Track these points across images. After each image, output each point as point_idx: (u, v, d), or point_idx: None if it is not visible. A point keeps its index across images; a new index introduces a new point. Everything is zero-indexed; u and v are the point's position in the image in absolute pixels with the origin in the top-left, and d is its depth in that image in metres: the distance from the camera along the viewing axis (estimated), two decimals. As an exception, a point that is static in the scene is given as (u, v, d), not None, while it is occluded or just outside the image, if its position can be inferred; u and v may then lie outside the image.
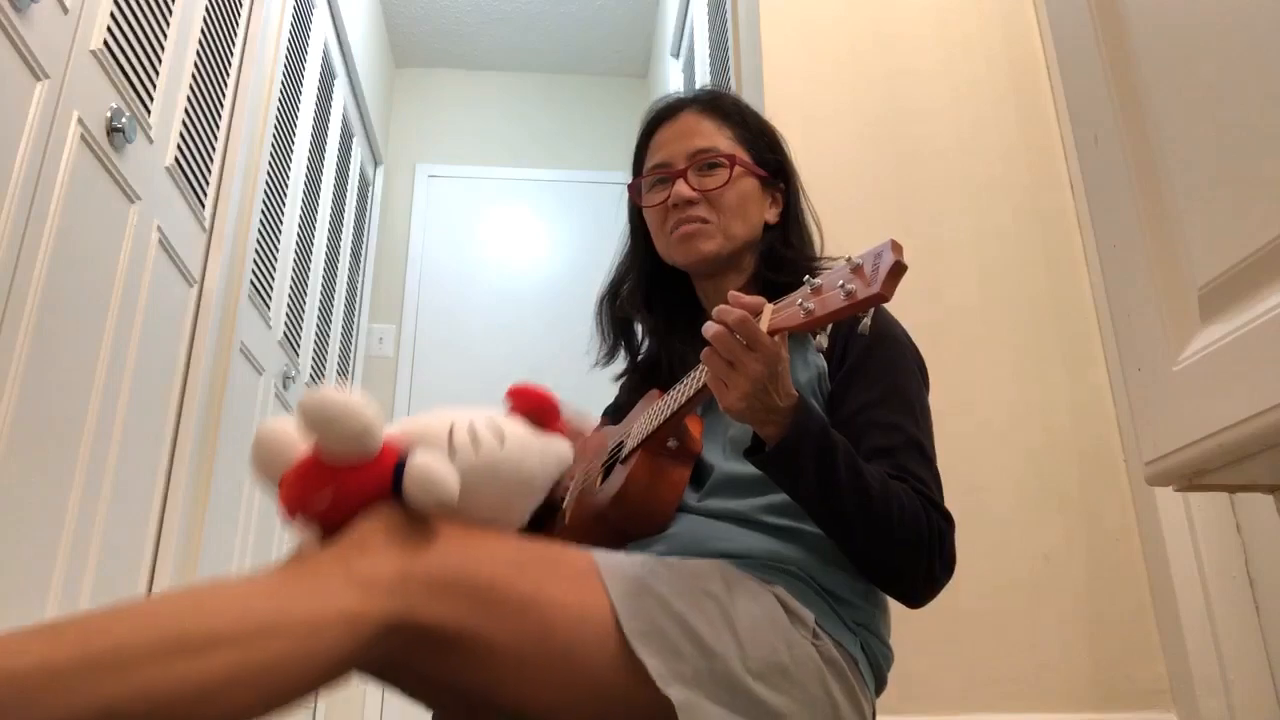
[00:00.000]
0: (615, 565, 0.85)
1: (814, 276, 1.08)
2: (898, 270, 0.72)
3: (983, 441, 1.78)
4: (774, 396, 0.83)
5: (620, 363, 1.26)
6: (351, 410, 0.75)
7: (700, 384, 0.89)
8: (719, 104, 1.19)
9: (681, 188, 1.13)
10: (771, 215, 1.18)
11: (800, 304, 0.78)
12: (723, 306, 0.83)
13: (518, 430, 0.85)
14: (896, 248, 0.73)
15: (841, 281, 0.75)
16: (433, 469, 0.76)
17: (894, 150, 1.99)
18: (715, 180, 1.13)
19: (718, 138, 1.16)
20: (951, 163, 1.98)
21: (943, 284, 1.89)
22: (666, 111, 1.21)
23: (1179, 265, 0.64)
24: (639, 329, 1.27)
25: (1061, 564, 1.72)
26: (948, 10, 2.10)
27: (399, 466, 0.78)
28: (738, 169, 1.13)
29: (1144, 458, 0.67)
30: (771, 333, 0.80)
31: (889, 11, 2.10)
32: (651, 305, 1.24)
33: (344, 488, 0.78)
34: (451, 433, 0.81)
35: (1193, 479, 0.65)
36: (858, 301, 0.73)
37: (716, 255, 1.12)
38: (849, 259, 0.76)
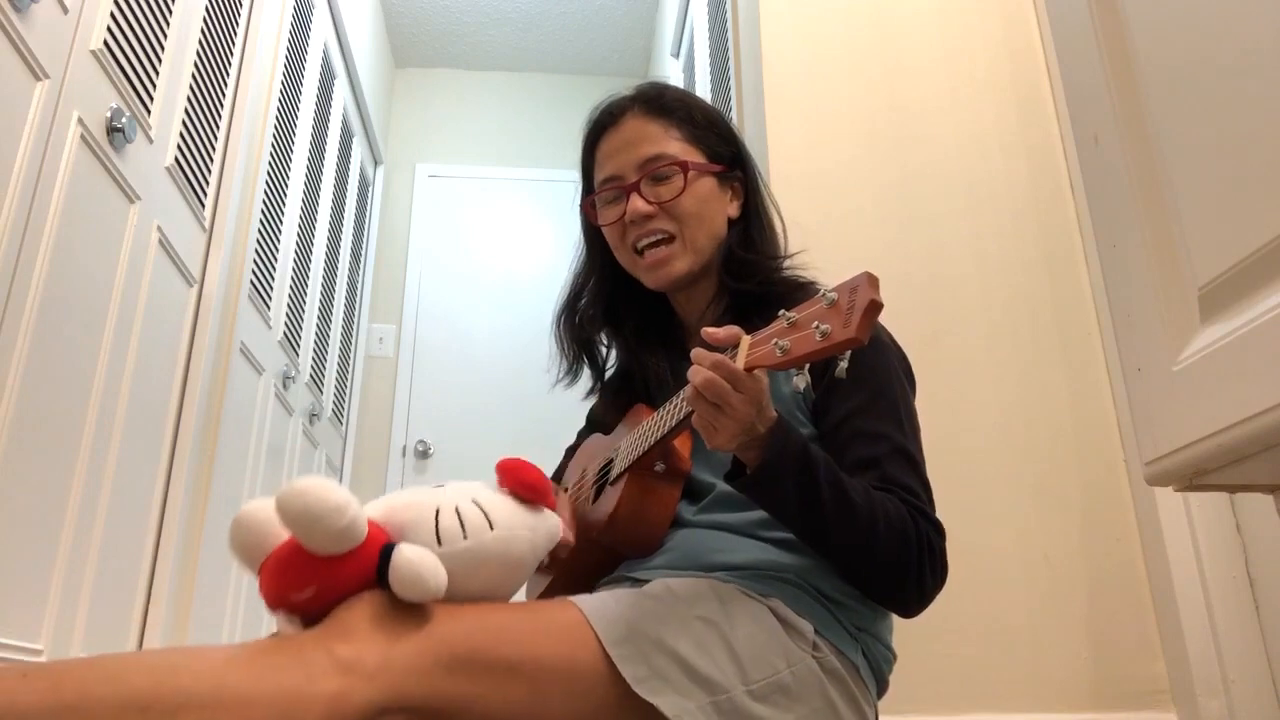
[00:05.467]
0: (604, 611, 0.83)
1: (783, 286, 1.07)
2: (874, 310, 0.71)
3: (983, 442, 1.78)
4: (757, 426, 0.83)
5: (585, 380, 1.23)
6: (333, 506, 0.73)
7: (684, 413, 0.87)
8: (662, 102, 1.13)
9: (637, 203, 1.08)
10: (733, 210, 1.13)
11: (775, 343, 0.76)
12: (699, 350, 0.81)
13: (506, 510, 0.83)
14: (873, 283, 0.72)
15: (816, 321, 0.73)
16: (419, 566, 0.74)
17: (894, 149, 1.99)
18: (670, 189, 1.08)
19: (666, 141, 1.10)
20: (951, 162, 1.98)
21: (942, 284, 1.89)
22: (608, 118, 1.14)
23: (1179, 265, 0.64)
24: (601, 345, 1.22)
25: (1061, 564, 1.72)
26: (948, 10, 2.10)
27: (384, 552, 0.76)
28: (692, 173, 1.08)
29: (1144, 458, 0.67)
30: (748, 369, 0.79)
31: (889, 11, 2.10)
32: (618, 321, 1.19)
33: (327, 580, 0.76)
34: (438, 519, 0.79)
35: (1193, 479, 0.64)
36: (833, 344, 0.72)
37: (688, 273, 1.09)
38: (824, 293, 0.75)
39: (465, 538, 0.79)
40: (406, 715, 0.72)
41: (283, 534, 0.78)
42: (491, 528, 0.80)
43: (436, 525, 0.79)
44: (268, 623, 0.81)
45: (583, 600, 0.85)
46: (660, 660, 0.80)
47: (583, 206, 1.18)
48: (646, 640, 0.81)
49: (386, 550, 0.76)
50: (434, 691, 0.73)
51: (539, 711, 0.77)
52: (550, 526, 0.86)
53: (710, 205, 1.10)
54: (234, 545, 0.81)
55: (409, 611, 0.75)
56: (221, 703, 0.65)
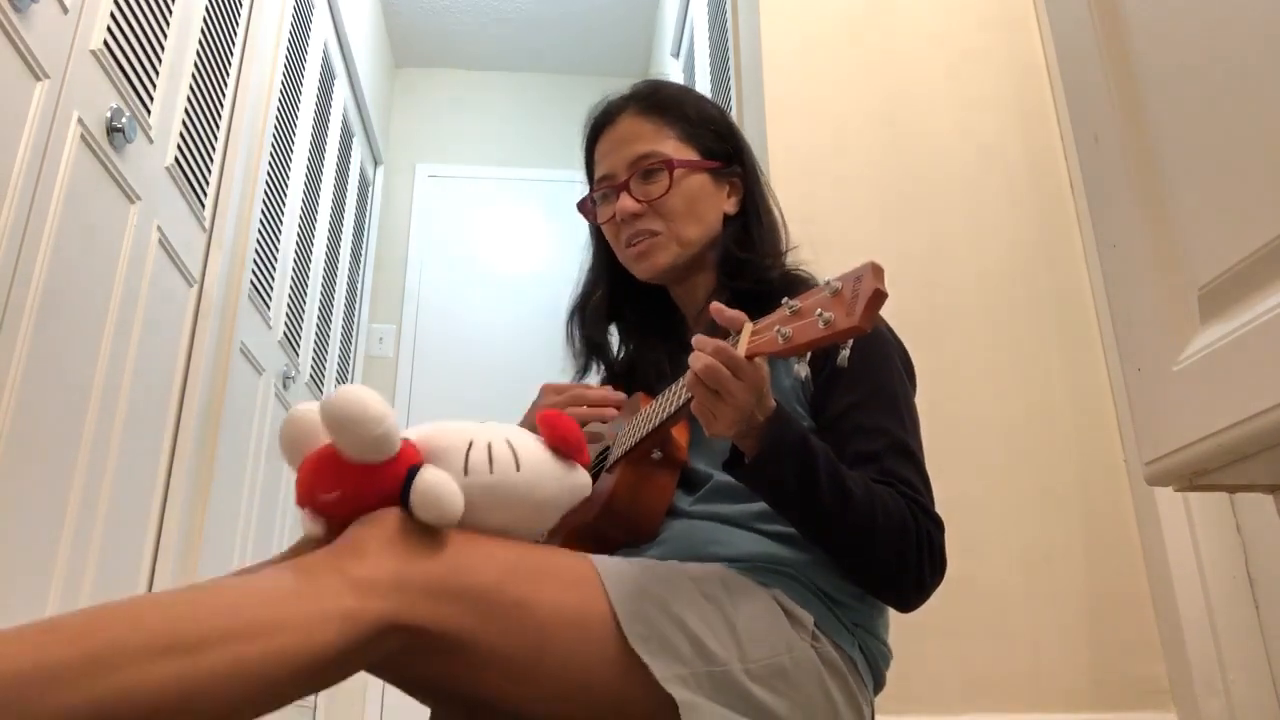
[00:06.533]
0: (615, 569, 0.84)
1: (781, 283, 1.08)
2: (878, 299, 0.71)
3: (982, 441, 1.78)
4: (756, 414, 0.83)
5: (595, 375, 1.23)
6: (370, 415, 0.76)
7: (683, 400, 0.87)
8: (656, 100, 1.14)
9: (625, 201, 1.09)
10: (730, 206, 1.13)
11: (778, 330, 0.76)
12: (700, 337, 0.81)
13: (537, 455, 0.85)
14: (877, 273, 0.72)
15: (819, 309, 0.73)
16: (438, 488, 0.77)
17: (894, 149, 1.99)
18: (658, 188, 1.09)
19: (657, 140, 1.11)
20: (951, 162, 1.98)
21: (942, 283, 1.89)
22: (604, 117, 1.16)
23: (1179, 265, 0.64)
24: (613, 341, 1.24)
25: (1061, 564, 1.72)
26: (949, 10, 2.11)
27: (411, 472, 0.78)
28: (679, 171, 1.09)
29: (1144, 458, 0.67)
30: (749, 356, 0.79)
31: (889, 11, 2.10)
32: (620, 316, 1.21)
33: (354, 487, 0.78)
34: (469, 450, 0.81)
35: (1193, 479, 0.64)
36: (836, 332, 0.72)
37: (673, 265, 1.10)
38: (828, 282, 0.74)
39: (491, 472, 0.81)
40: (412, 636, 0.73)
41: (328, 438, 0.81)
42: (519, 469, 0.82)
43: (466, 456, 0.81)
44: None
45: (596, 556, 0.86)
46: (664, 624, 0.81)
47: (582, 205, 1.19)
48: (653, 603, 0.82)
49: (413, 471, 0.78)
50: (440, 615, 0.74)
51: (541, 654, 0.78)
52: (578, 482, 0.87)
53: (701, 202, 1.11)
54: (282, 440, 0.85)
55: (424, 537, 0.77)
56: (241, 633, 0.66)
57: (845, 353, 0.74)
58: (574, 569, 0.83)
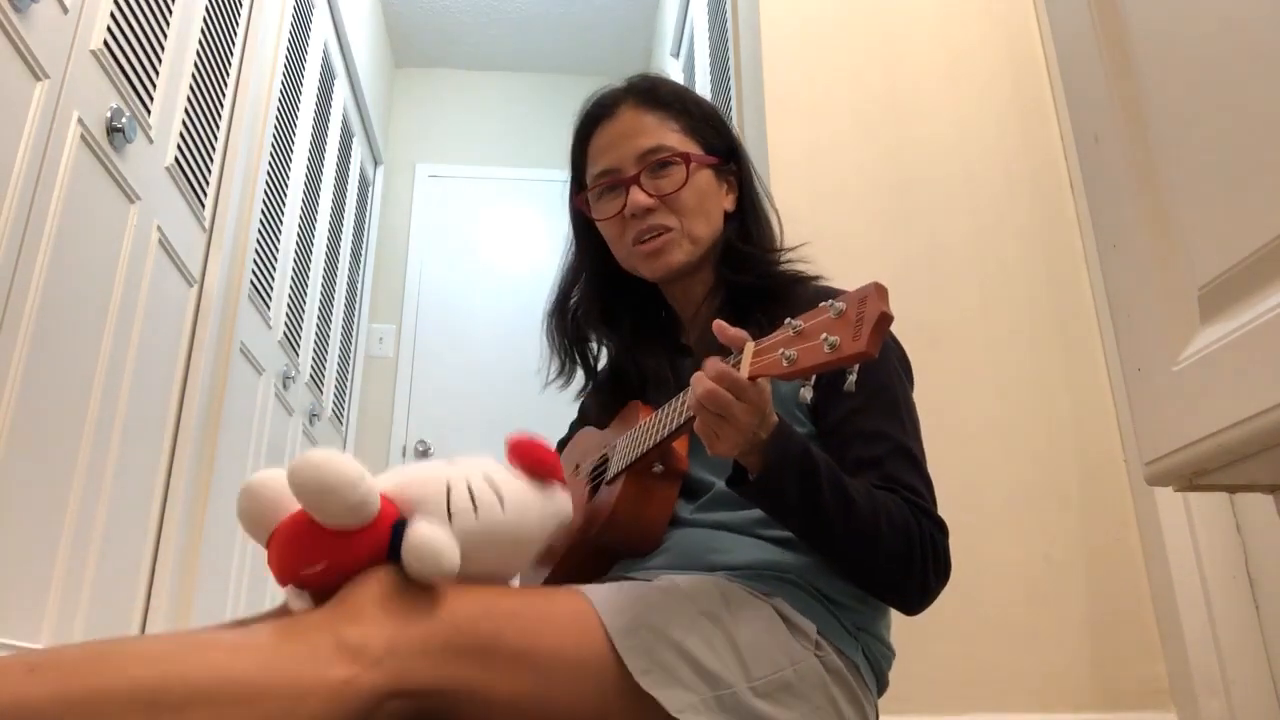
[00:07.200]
0: (611, 601, 0.83)
1: (781, 279, 1.06)
2: (884, 322, 0.70)
3: (983, 442, 1.78)
4: (759, 433, 0.82)
5: (576, 380, 1.21)
6: (347, 480, 0.72)
7: (685, 418, 0.86)
8: (657, 94, 1.10)
9: (638, 195, 1.05)
10: (729, 203, 1.12)
11: (782, 352, 0.75)
12: (711, 360, 0.80)
13: (517, 488, 0.82)
14: (882, 294, 0.71)
15: (824, 333, 0.72)
16: (433, 542, 0.74)
17: (894, 149, 1.99)
18: (671, 182, 1.06)
19: (664, 133, 1.08)
20: (952, 162, 1.98)
21: (943, 284, 1.89)
22: (601, 110, 1.11)
23: (1179, 265, 0.64)
24: (594, 344, 1.21)
25: (1061, 564, 1.72)
26: (949, 10, 2.10)
27: (396, 528, 0.75)
28: (693, 165, 1.07)
29: (1144, 458, 0.67)
30: (752, 377, 0.78)
31: (889, 12, 2.10)
32: (613, 319, 1.18)
33: (338, 555, 0.75)
34: (449, 495, 0.78)
35: (1193, 479, 0.64)
36: (842, 357, 0.71)
37: (686, 264, 1.07)
38: (832, 302, 0.74)
39: (477, 517, 0.78)
40: (411, 699, 0.72)
41: (292, 505, 0.77)
42: (504, 508, 0.80)
43: (448, 501, 0.78)
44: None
45: (590, 590, 0.85)
46: (665, 653, 0.80)
47: (574, 202, 1.16)
48: (651, 632, 0.81)
49: (399, 526, 0.75)
50: (440, 676, 0.72)
51: (545, 699, 0.77)
52: (560, 507, 0.85)
53: (709, 198, 1.09)
54: (242, 515, 0.80)
55: (417, 593, 0.75)
56: (229, 695, 0.65)
57: (853, 377, 0.73)
58: (570, 609, 0.82)
